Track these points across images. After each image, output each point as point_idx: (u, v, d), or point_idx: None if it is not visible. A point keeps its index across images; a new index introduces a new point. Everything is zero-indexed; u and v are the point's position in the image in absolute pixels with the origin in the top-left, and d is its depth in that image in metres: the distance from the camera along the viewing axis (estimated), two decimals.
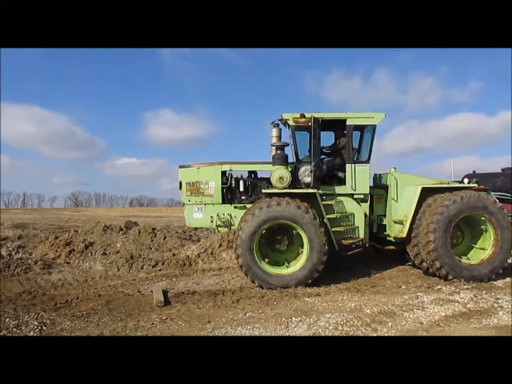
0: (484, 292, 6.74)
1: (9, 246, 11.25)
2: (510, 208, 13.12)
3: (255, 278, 7.29)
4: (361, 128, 8.50)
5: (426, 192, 8.09)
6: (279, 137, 8.61)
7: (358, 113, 8.21)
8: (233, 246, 7.68)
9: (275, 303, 6.35)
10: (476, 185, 8.56)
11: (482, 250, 7.88)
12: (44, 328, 5.26)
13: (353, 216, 8.21)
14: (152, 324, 5.38)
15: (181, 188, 8.45)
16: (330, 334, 4.90)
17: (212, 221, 8.40)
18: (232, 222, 8.37)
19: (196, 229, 13.78)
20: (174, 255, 10.34)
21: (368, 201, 8.59)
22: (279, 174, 7.74)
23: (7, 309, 6.06)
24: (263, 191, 8.00)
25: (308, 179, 7.87)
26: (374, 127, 8.26)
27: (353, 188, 8.18)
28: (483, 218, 7.70)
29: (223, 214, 8.37)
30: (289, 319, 5.43)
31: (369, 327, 5.12)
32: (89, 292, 7.20)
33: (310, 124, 7.80)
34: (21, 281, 8.11)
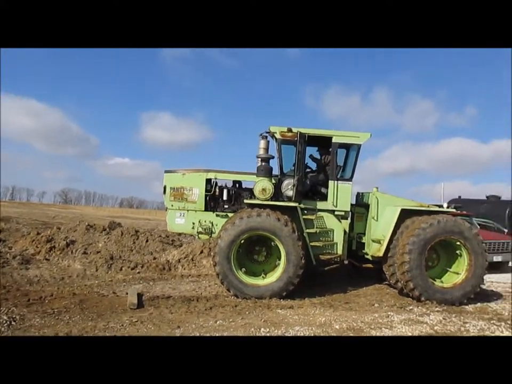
0: (454, 315, 6.85)
1: None
2: (492, 236, 13.37)
3: (230, 286, 7.36)
4: (347, 146, 8.66)
5: (406, 214, 8.23)
6: (267, 149, 8.70)
7: (343, 132, 8.36)
8: (211, 253, 7.74)
9: (247, 313, 6.41)
10: (454, 210, 8.74)
11: (456, 275, 8.00)
12: (13, 323, 5.28)
13: (333, 232, 8.35)
14: (122, 325, 5.42)
15: (165, 192, 8.51)
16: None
17: (193, 227, 8.45)
18: (213, 229, 8.42)
19: (179, 234, 13.84)
20: (154, 258, 10.38)
21: (349, 219, 8.73)
22: (262, 186, 7.84)
23: None
24: (245, 201, 8.08)
25: (290, 192, 7.99)
26: (359, 147, 8.41)
27: (335, 204, 8.31)
28: (458, 243, 7.84)
29: (205, 221, 8.43)
30: (258, 330, 5.49)
31: None
32: (64, 290, 7.23)
33: (296, 138, 7.94)
34: None
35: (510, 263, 13.90)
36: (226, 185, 8.77)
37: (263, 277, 7.69)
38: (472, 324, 6.41)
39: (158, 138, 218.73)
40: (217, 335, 5.21)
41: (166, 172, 8.67)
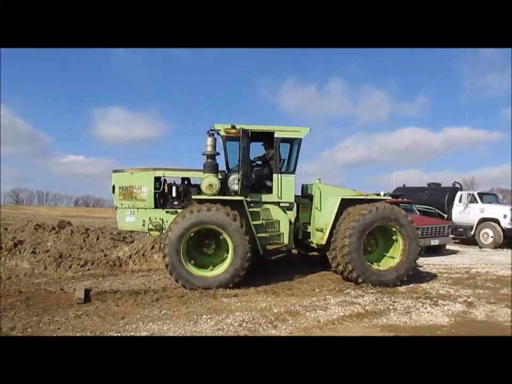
0: (386, 296, 7.43)
1: None
2: (430, 221, 14.26)
3: (179, 277, 7.60)
4: (288, 140, 9.09)
5: (346, 203, 8.76)
6: (214, 146, 9.03)
7: (284, 127, 8.79)
8: (161, 245, 7.96)
9: (192, 302, 6.71)
10: (389, 197, 9.40)
11: (392, 259, 8.63)
12: None
13: (279, 223, 8.73)
14: (67, 319, 5.60)
15: (114, 192, 8.67)
16: (233, 330, 5.31)
17: (143, 225, 8.66)
18: (163, 226, 8.64)
19: (132, 231, 13.91)
20: (105, 255, 10.45)
21: (294, 210, 9.18)
22: (208, 181, 8.16)
23: None
24: (193, 197, 8.37)
25: (236, 187, 8.34)
26: (300, 140, 8.87)
27: (279, 196, 8.72)
28: (394, 229, 8.47)
29: (155, 218, 8.65)
30: (200, 317, 5.81)
31: (271, 324, 5.59)
32: (10, 288, 7.26)
33: (239, 135, 8.28)
34: None
35: (447, 246, 14.91)
36: (175, 183, 9.04)
37: (211, 268, 7.98)
38: (401, 302, 7.01)
39: (112, 134, 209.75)
40: (159, 323, 5.49)
41: (114, 171, 8.83)
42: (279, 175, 8.74)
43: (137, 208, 8.67)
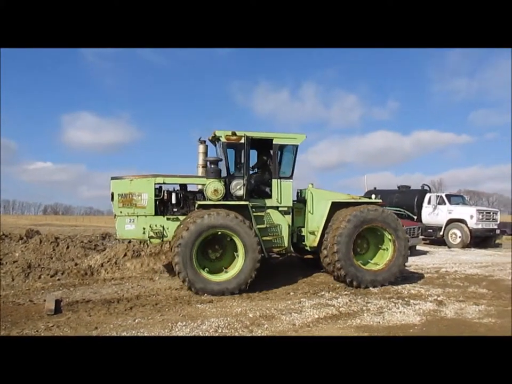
0: (359, 297, 7.55)
1: None
2: (403, 223, 14.56)
3: (179, 255, 7.47)
4: (286, 147, 9.24)
5: (337, 206, 8.97)
6: (206, 153, 9.27)
7: (282, 134, 9.05)
8: (183, 226, 7.84)
9: (167, 309, 6.63)
10: (380, 200, 9.62)
11: (375, 265, 8.85)
12: None
13: (279, 226, 8.88)
14: (37, 331, 5.43)
15: (113, 200, 8.51)
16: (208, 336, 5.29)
17: (144, 232, 8.54)
18: (164, 233, 8.59)
19: (103, 238, 13.69)
20: (76, 264, 10.19)
21: (291, 214, 9.28)
22: (213, 187, 8.23)
23: None
24: (198, 202, 8.33)
25: (240, 192, 8.45)
26: (296, 147, 9.10)
27: (279, 201, 8.89)
28: (389, 237, 8.68)
29: (156, 226, 8.55)
30: (175, 324, 5.75)
31: (247, 329, 5.60)
32: None
33: (242, 141, 8.46)
34: None
35: (417, 246, 15.28)
36: (174, 189, 9.04)
37: (207, 271, 7.90)
38: (374, 303, 7.15)
39: (82, 140, 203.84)
40: (133, 332, 5.40)
41: (113, 178, 8.67)
42: (278, 180, 8.89)
43: (137, 216, 8.55)
